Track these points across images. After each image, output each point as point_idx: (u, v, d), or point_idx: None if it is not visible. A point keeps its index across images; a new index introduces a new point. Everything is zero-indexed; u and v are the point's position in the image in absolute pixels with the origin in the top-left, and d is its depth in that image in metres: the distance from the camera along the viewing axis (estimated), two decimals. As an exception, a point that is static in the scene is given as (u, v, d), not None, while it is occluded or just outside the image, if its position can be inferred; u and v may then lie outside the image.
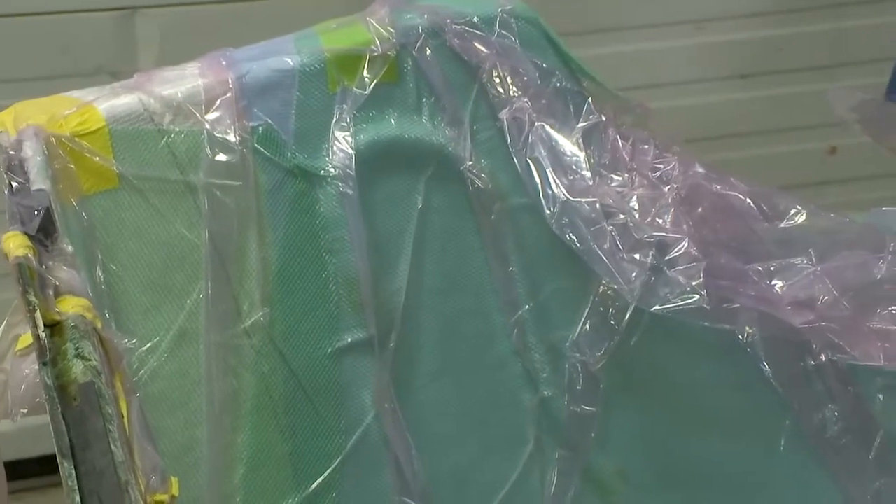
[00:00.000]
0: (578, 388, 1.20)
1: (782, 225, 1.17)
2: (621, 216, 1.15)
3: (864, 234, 1.17)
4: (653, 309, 1.13)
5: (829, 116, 1.42)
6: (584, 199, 1.15)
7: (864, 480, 1.18)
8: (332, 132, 1.14)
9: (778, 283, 1.14)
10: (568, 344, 1.19)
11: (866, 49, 1.34)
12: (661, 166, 1.18)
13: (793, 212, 1.17)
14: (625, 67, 1.82)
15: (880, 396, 1.17)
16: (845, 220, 1.18)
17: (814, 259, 1.15)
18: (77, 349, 0.92)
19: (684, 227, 1.14)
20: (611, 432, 1.22)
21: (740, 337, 1.14)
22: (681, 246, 1.14)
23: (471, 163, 1.17)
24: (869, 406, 1.17)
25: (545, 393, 1.21)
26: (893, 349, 1.11)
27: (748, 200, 1.17)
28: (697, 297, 1.13)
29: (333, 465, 1.18)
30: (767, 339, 1.14)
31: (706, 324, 1.13)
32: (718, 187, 1.17)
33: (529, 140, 1.16)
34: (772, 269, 1.14)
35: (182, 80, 1.12)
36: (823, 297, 1.13)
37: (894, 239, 1.16)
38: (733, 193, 1.17)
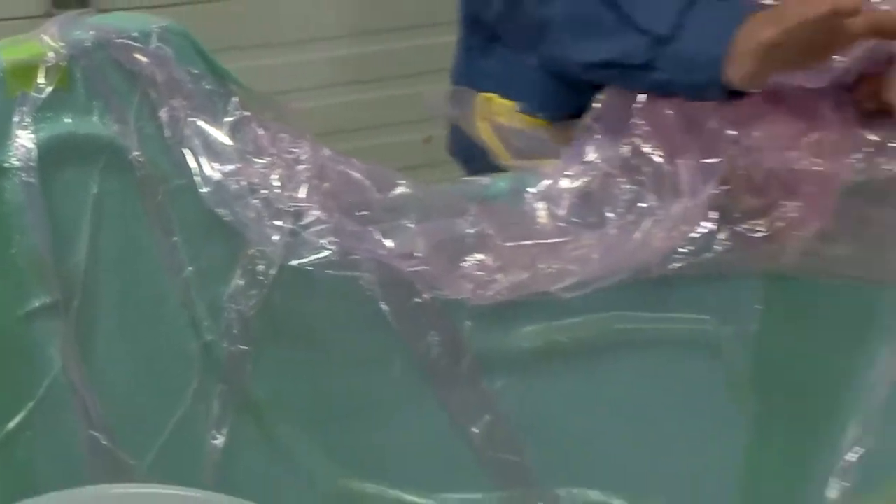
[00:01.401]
0: (234, 332, 1.32)
1: (390, 195, 1.32)
2: (264, 191, 1.28)
3: (451, 201, 1.34)
4: (292, 263, 1.27)
5: (424, 113, 1.61)
6: (232, 179, 1.28)
7: (456, 391, 1.37)
8: (15, 131, 1.25)
9: (389, 241, 1.29)
10: (225, 298, 1.32)
11: (447, 60, 1.59)
12: (296, 150, 1.30)
13: (398, 184, 1.33)
14: (263, 77, 2.01)
15: (468, 323, 1.36)
16: (437, 190, 1.34)
17: (414, 221, 1.31)
18: None
19: (315, 198, 1.28)
20: (263, 370, 1.35)
21: (362, 283, 1.29)
22: (313, 213, 1.28)
23: (137, 153, 1.27)
24: (459, 333, 1.35)
25: (207, 338, 1.33)
26: (475, 287, 1.29)
27: (365, 178, 1.32)
28: (328, 252, 1.27)
29: (28, 408, 1.31)
30: (384, 283, 1.30)
31: (336, 272, 1.27)
32: (341, 167, 1.32)
33: (185, 133, 1.27)
34: (383, 229, 1.30)
35: None
36: (422, 249, 1.29)
37: (473, 204, 1.34)
38: (352, 171, 1.32)
